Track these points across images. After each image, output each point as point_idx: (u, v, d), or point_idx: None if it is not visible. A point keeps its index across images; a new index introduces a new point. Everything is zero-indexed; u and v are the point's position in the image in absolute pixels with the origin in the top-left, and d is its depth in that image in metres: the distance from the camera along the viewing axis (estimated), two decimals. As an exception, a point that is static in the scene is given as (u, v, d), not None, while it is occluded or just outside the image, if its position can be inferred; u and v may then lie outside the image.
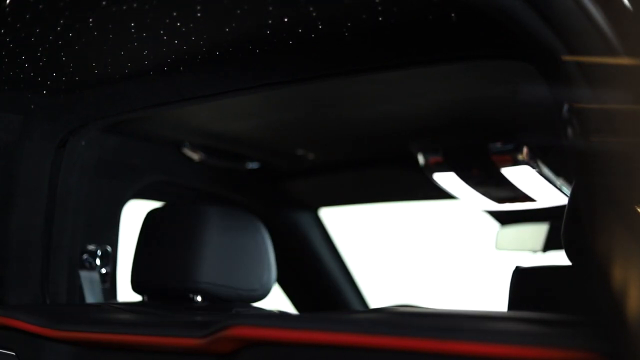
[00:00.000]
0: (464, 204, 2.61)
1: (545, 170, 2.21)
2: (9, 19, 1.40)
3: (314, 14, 1.35)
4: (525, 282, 1.45)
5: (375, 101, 2.03)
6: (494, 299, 2.03)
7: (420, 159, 2.33)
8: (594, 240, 1.13)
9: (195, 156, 2.55)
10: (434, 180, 2.39)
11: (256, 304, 1.84)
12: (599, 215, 1.04)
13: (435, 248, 4.38)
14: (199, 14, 1.37)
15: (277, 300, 2.82)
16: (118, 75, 1.75)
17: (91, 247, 2.18)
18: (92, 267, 2.15)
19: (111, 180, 2.32)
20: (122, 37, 1.51)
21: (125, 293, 2.16)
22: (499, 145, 2.19)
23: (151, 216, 2.01)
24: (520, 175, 2.24)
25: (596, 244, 1.12)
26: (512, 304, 1.42)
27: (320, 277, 3.01)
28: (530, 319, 1.16)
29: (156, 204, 2.42)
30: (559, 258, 1.63)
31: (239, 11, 1.35)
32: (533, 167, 2.19)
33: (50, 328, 1.44)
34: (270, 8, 1.33)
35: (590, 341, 0.91)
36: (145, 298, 1.93)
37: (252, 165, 2.75)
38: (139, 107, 1.91)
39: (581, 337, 0.94)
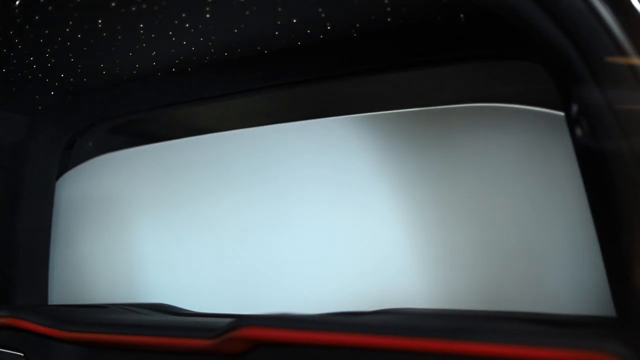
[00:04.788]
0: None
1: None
2: (18, 20, 1.40)
3: (323, 15, 1.35)
4: None
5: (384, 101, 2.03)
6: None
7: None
8: (603, 241, 1.13)
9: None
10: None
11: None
12: (608, 215, 1.04)
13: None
14: (207, 15, 1.37)
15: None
16: (126, 76, 1.75)
17: (97, 248, 2.18)
18: (99, 268, 2.15)
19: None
20: (131, 38, 1.51)
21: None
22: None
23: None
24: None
25: (605, 245, 1.12)
26: None
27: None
28: (540, 319, 1.15)
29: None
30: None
31: (247, 12, 1.35)
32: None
33: (58, 329, 1.44)
34: (279, 9, 1.33)
35: (602, 342, 0.90)
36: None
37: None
38: (147, 108, 1.91)
39: (593, 337, 0.94)
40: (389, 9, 1.29)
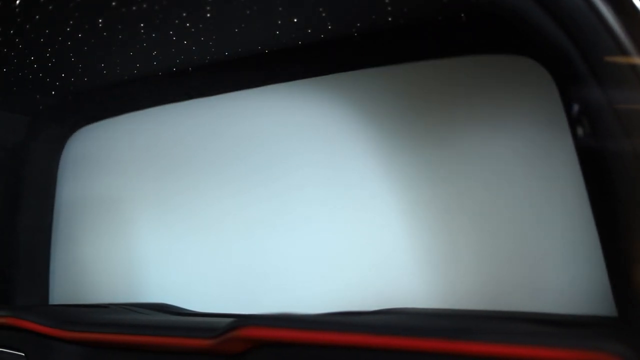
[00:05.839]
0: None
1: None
2: (18, 19, 1.40)
3: (324, 15, 1.35)
4: None
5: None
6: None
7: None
8: (604, 241, 1.13)
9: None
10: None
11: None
12: (609, 215, 1.04)
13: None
14: (208, 15, 1.37)
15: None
16: (127, 76, 1.75)
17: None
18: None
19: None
20: (131, 38, 1.51)
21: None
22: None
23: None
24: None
25: (606, 245, 1.12)
26: None
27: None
28: (541, 319, 1.15)
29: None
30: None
31: (248, 12, 1.35)
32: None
33: (59, 329, 1.44)
34: (280, 9, 1.33)
35: (603, 342, 0.90)
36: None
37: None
38: (148, 107, 1.91)
39: (594, 337, 0.93)
40: (389, 8, 1.29)
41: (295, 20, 1.37)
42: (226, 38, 1.49)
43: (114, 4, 1.33)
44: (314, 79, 1.66)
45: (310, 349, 1.12)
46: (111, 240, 2.01)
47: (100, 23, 1.43)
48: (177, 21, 1.40)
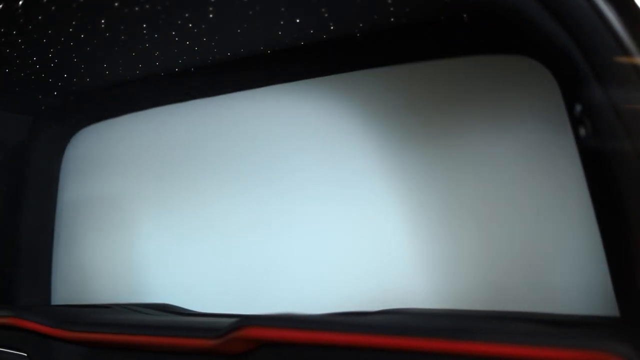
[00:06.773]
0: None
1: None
2: (21, 20, 1.40)
3: (326, 15, 1.35)
4: None
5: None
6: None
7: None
8: (606, 241, 1.13)
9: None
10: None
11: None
12: (611, 215, 1.04)
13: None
14: (210, 15, 1.38)
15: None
16: (128, 76, 1.75)
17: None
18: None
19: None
20: (133, 38, 1.51)
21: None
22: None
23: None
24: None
25: (609, 245, 1.12)
26: None
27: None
28: (543, 319, 1.15)
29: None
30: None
31: (250, 12, 1.35)
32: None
33: (61, 329, 1.44)
34: (283, 9, 1.33)
35: (606, 342, 0.90)
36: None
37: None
38: (149, 108, 1.92)
39: (596, 337, 0.93)
40: (392, 9, 1.29)
41: (298, 20, 1.37)
42: (228, 38, 1.50)
43: (116, 4, 1.33)
44: (315, 79, 1.66)
45: (312, 349, 1.12)
46: (113, 240, 2.01)
47: (103, 23, 1.43)
48: (179, 22, 1.40)
